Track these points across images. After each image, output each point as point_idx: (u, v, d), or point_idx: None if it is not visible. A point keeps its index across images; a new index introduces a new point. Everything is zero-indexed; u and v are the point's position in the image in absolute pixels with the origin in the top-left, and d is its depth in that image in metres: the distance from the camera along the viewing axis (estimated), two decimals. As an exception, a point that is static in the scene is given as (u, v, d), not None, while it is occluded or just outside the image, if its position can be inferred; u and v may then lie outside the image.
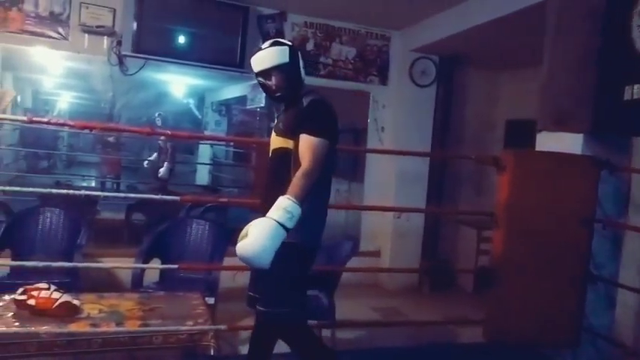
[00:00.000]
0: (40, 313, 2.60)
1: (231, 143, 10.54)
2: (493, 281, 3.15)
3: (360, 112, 5.79)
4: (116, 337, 2.51)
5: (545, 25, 3.13)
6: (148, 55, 4.41)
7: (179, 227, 3.88)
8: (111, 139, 9.20)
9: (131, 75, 4.59)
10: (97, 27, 4.31)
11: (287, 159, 2.20)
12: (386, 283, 5.12)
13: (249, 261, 1.92)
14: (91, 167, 11.69)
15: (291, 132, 2.20)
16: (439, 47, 4.91)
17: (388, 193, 5.15)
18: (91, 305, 2.77)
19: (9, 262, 3.31)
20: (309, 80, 5.08)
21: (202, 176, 10.90)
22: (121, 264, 3.62)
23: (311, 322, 3.25)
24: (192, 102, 11.64)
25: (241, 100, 9.72)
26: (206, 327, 2.67)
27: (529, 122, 3.57)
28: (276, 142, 2.28)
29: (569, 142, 3.10)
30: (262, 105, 8.88)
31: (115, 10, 4.34)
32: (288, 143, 2.21)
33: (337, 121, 2.29)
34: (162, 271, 3.58)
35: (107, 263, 3.77)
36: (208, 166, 10.96)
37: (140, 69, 4.57)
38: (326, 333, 3.34)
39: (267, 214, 1.94)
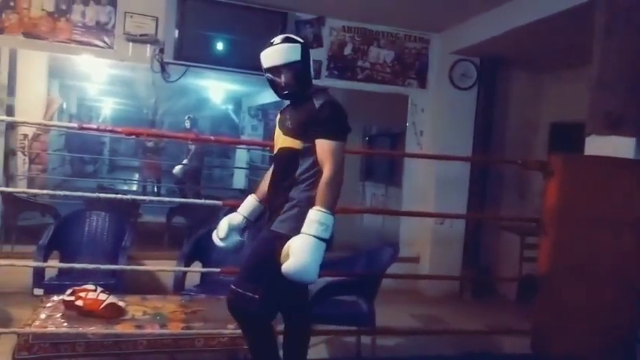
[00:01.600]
0: (87, 314, 2.67)
1: (268, 148, 10.62)
2: (539, 290, 3.04)
3: (397, 116, 5.74)
4: (160, 339, 2.56)
5: (593, 26, 3.02)
6: (188, 62, 4.49)
7: (219, 231, 3.92)
8: (150, 144, 9.42)
9: (173, 82, 4.68)
10: (141, 35, 4.42)
11: (294, 159, 2.17)
12: (425, 290, 5.03)
13: (298, 280, 1.97)
14: (132, 171, 12.03)
15: (300, 133, 2.16)
16: (480, 49, 4.81)
17: (428, 198, 5.06)
18: (135, 307, 2.83)
19: (60, 264, 3.42)
20: (346, 84, 5.15)
21: (239, 180, 11.06)
22: (164, 267, 3.69)
23: (350, 328, 3.25)
24: (230, 107, 11.82)
25: (276, 104, 9.81)
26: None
27: (576, 125, 3.44)
28: (282, 140, 2.24)
29: (620, 147, 2.96)
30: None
31: (157, 19, 4.44)
32: (296, 143, 2.17)
33: (347, 117, 2.25)
34: (203, 275, 3.63)
35: (150, 266, 3.84)
36: (245, 170, 11.10)
37: (181, 76, 4.66)
38: (365, 340, 3.30)
39: (302, 230, 1.98)
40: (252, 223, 2.48)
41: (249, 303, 2.12)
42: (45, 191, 3.24)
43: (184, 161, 7.88)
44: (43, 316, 2.62)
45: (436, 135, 5.14)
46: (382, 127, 6.98)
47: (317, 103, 2.14)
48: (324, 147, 2.09)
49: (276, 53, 2.17)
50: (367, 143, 7.12)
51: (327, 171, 2.05)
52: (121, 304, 2.75)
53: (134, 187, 10.16)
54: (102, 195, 3.00)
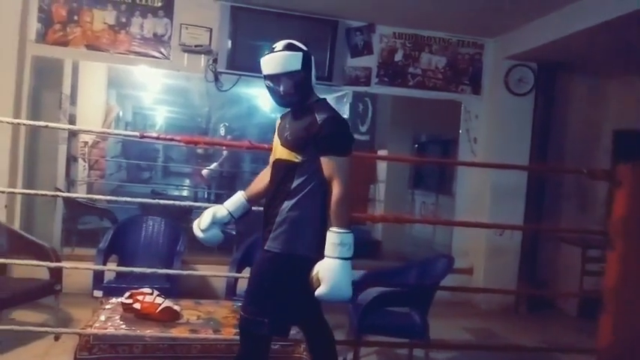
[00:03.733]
0: (143, 316, 2.73)
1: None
2: (604, 307, 2.87)
3: (447, 123, 5.62)
4: (214, 343, 2.58)
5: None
6: (240, 72, 4.57)
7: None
8: (200, 150, 9.63)
9: (225, 91, 4.78)
10: (196, 46, 4.53)
11: (291, 171, 2.11)
12: (479, 303, 4.86)
13: (332, 301, 2.00)
14: (184, 177, 12.35)
15: (298, 147, 2.09)
16: (538, 54, 4.65)
17: (482, 207, 4.91)
18: (189, 311, 2.87)
19: (120, 267, 3.53)
20: (397, 91, 5.09)
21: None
22: (216, 272, 3.74)
23: (403, 340, 3.17)
24: (279, 115, 11.93)
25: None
26: (299, 338, 2.66)
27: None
28: (280, 151, 2.17)
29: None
30: (346, 116, 8.92)
31: (211, 30, 4.54)
32: (293, 156, 2.11)
33: (349, 130, 2.19)
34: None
35: (202, 271, 3.90)
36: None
37: (233, 85, 4.76)
38: (418, 353, 3.22)
39: (326, 254, 1.98)
40: (235, 220, 2.44)
41: (259, 327, 2.09)
42: (107, 197, 3.37)
43: (213, 165, 7.99)
44: (102, 317, 2.70)
45: (491, 142, 4.99)
46: (432, 134, 6.86)
47: (319, 117, 2.07)
48: (330, 164, 2.05)
49: (275, 61, 2.09)
50: (417, 151, 7.00)
51: (336, 189, 2.02)
52: (176, 308, 2.79)
53: (185, 193, 10.41)
54: (161, 201, 3.07)
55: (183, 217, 5.05)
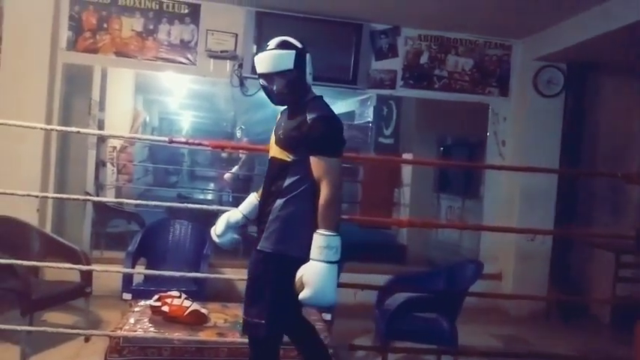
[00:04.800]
0: (172, 319, 2.76)
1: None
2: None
3: (475, 126, 5.54)
4: (241, 347, 2.58)
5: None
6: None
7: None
8: (225, 154, 9.71)
9: (250, 95, 4.80)
10: (221, 52, 4.57)
11: (283, 170, 2.09)
12: (509, 309, 4.75)
13: (316, 306, 2.02)
14: (209, 181, 12.50)
15: (290, 146, 2.07)
16: (568, 55, 4.54)
17: (511, 212, 4.80)
18: (216, 314, 2.90)
19: (149, 271, 3.57)
20: (422, 94, 5.04)
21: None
22: (243, 275, 3.72)
23: (431, 347, 3.12)
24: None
25: (349, 115, 9.82)
26: (326, 343, 2.64)
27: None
28: (274, 150, 2.16)
29: None
30: (370, 119, 8.90)
31: (236, 36, 4.57)
32: (285, 155, 2.09)
33: (343, 130, 2.14)
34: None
35: (228, 274, 3.92)
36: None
37: (259, 90, 4.68)
38: (446, 359, 3.17)
39: (311, 256, 1.94)
40: (251, 222, 2.42)
41: (257, 329, 2.07)
42: (136, 201, 3.41)
43: (234, 169, 8.05)
44: (132, 320, 2.73)
45: (520, 145, 4.89)
46: (458, 136, 6.76)
47: (309, 116, 2.03)
48: (319, 165, 2.00)
49: (268, 60, 2.06)
50: (442, 154, 6.91)
51: (325, 190, 1.98)
52: (203, 311, 2.82)
53: (209, 197, 10.51)
54: (189, 205, 3.10)
55: (209, 220, 5.09)
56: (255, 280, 2.13)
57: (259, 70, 2.10)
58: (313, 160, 2.02)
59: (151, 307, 2.82)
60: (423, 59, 4.88)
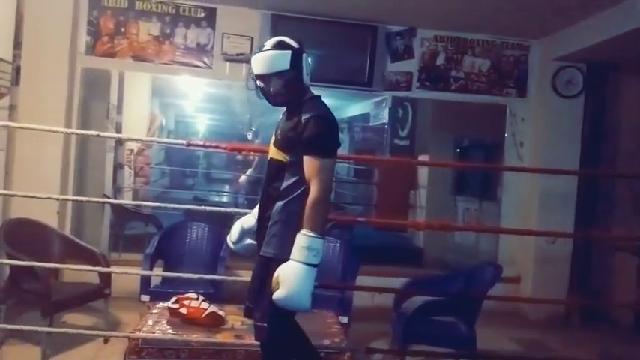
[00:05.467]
0: (189, 321, 2.77)
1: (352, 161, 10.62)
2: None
3: (492, 127, 5.48)
4: (258, 349, 2.57)
5: None
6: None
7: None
8: (240, 157, 9.76)
9: (266, 98, 4.81)
10: (237, 55, 4.58)
11: (280, 171, 2.07)
12: (528, 312, 4.69)
13: (289, 307, 1.94)
14: (224, 183, 12.57)
15: (286, 146, 2.06)
16: (588, 55, 4.47)
17: (530, 214, 4.75)
18: (233, 317, 2.89)
19: (167, 272, 3.59)
20: (439, 95, 5.00)
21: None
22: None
23: (449, 350, 3.09)
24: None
25: (364, 117, 9.79)
26: (343, 346, 2.64)
27: None
28: (272, 151, 2.15)
29: None
30: (385, 121, 8.86)
31: (252, 39, 4.58)
32: (281, 156, 2.07)
33: (338, 131, 2.12)
34: (296, 287, 3.63)
35: (247, 276, 3.90)
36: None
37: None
38: (465, 363, 3.13)
39: (291, 256, 1.91)
40: None
41: (262, 332, 2.07)
42: (155, 204, 3.45)
43: (248, 172, 8.08)
44: (150, 322, 2.75)
45: (538, 146, 4.82)
46: (475, 138, 6.69)
47: (304, 116, 2.01)
48: (310, 165, 1.98)
49: (264, 61, 2.05)
50: (459, 155, 6.84)
51: (314, 191, 1.95)
52: (221, 313, 2.82)
53: (225, 199, 10.57)
54: (207, 208, 3.12)
55: (226, 222, 5.12)
56: (258, 284, 2.12)
57: (255, 71, 2.09)
58: (305, 160, 2.00)
59: (169, 308, 2.83)
60: (440, 60, 4.85)
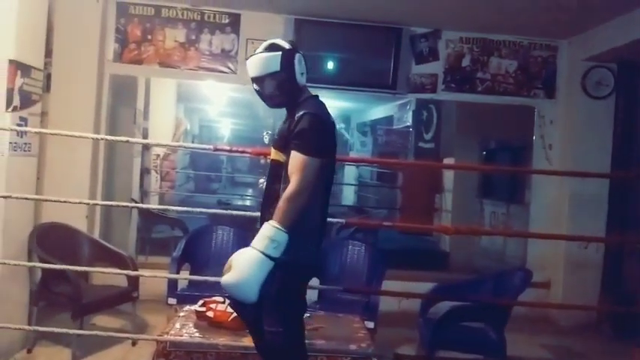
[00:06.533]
0: (216, 324, 2.78)
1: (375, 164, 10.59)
2: None
3: (520, 129, 5.38)
4: (284, 354, 2.57)
5: None
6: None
7: (335, 248, 3.92)
8: (263, 161, 9.80)
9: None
10: (261, 59, 4.60)
11: (279, 172, 2.06)
12: (558, 319, 4.57)
13: (233, 295, 1.88)
14: (248, 187, 12.67)
15: (282, 146, 2.06)
16: (619, 54, 4.37)
17: (559, 218, 4.64)
18: (259, 321, 2.89)
19: (195, 276, 3.62)
20: (465, 97, 4.94)
21: (348, 196, 11.13)
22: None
23: (477, 357, 3.03)
24: (341, 124, 12.01)
25: (387, 119, 9.75)
26: (370, 352, 2.61)
27: None
28: (272, 152, 2.15)
29: None
30: (409, 124, 8.80)
31: (276, 43, 4.60)
32: (280, 156, 2.07)
33: (332, 134, 2.09)
34: (321, 291, 3.62)
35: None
36: (354, 187, 11.13)
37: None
38: (494, 370, 3.06)
39: (252, 243, 1.88)
40: None
41: (276, 337, 2.02)
42: (182, 208, 3.49)
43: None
44: (177, 325, 2.77)
45: (568, 149, 4.71)
46: (501, 140, 6.59)
47: (297, 115, 2.02)
48: (294, 160, 1.95)
49: (256, 63, 2.08)
50: (485, 158, 6.75)
51: (292, 185, 1.92)
52: (247, 317, 2.82)
53: (248, 203, 10.65)
54: (234, 212, 3.15)
55: (251, 226, 5.14)
56: (266, 288, 2.05)
57: (250, 74, 2.11)
58: (291, 155, 1.97)
59: (196, 312, 2.85)
60: (465, 62, 4.79)
